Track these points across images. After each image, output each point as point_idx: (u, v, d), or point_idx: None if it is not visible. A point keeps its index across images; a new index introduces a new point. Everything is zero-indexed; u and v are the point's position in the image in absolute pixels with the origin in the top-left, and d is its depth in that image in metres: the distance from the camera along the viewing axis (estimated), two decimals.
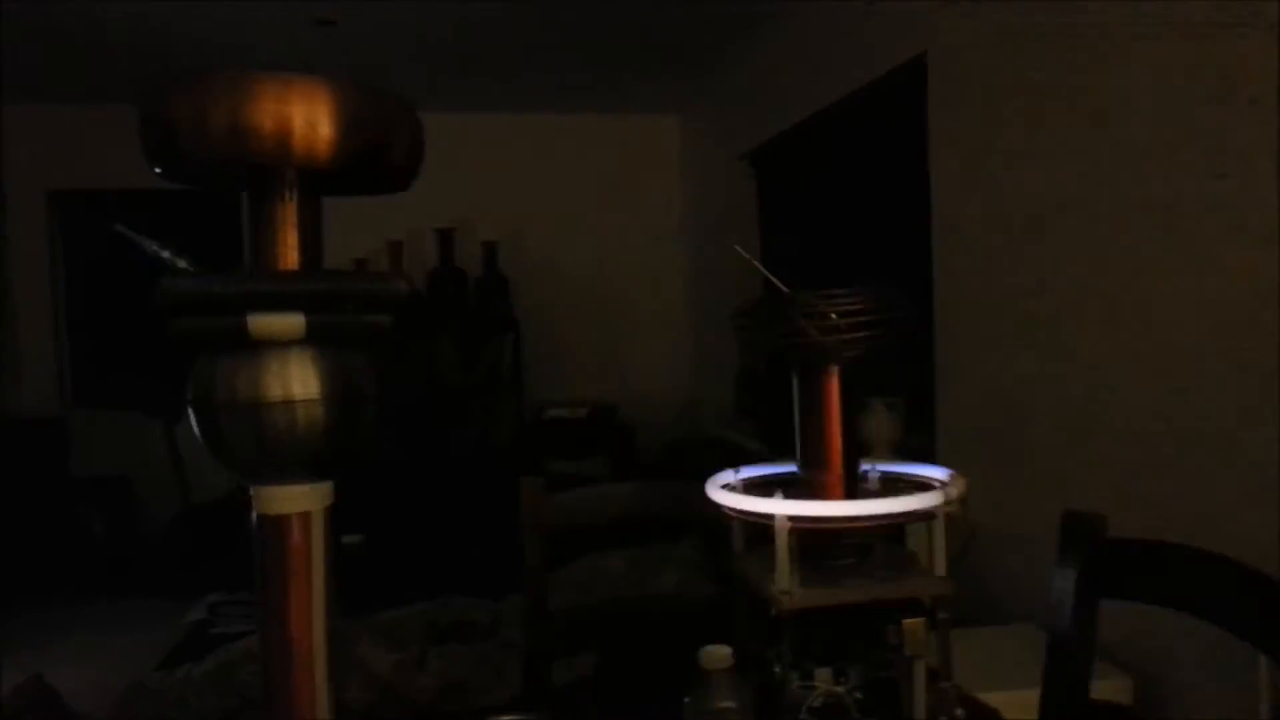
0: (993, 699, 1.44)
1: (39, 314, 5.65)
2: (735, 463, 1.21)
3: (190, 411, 0.95)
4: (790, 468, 1.21)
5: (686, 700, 0.98)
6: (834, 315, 1.01)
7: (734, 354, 5.27)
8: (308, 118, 0.90)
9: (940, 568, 1.05)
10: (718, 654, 0.98)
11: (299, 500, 0.97)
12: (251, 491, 0.98)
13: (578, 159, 6.26)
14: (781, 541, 1.01)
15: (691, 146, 6.21)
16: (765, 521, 1.04)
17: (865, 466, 1.17)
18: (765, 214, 4.87)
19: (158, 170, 0.96)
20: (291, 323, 0.91)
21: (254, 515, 0.99)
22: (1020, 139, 2.69)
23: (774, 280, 1.08)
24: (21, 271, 5.59)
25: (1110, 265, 2.35)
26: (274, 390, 0.92)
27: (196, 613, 4.50)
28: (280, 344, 0.92)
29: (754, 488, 1.17)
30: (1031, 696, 1.47)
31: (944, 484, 1.09)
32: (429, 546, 4.46)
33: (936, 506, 1.02)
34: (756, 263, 1.10)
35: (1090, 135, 2.39)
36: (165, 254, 0.97)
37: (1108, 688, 2.07)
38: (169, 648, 4.14)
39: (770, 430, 4.59)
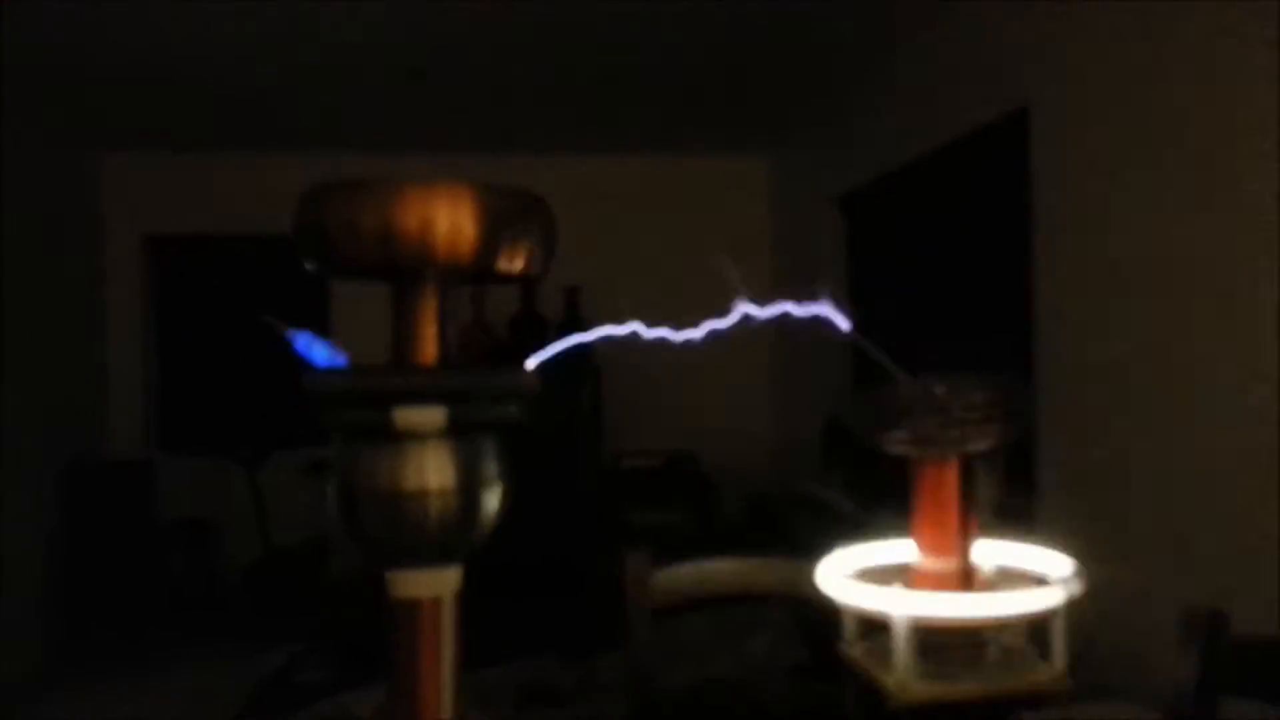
0: None
1: (130, 359, 5.84)
2: (823, 521, 1.22)
3: (331, 497, 1.00)
4: (900, 550, 1.21)
5: None
6: (958, 408, 1.02)
7: (819, 404, 5.24)
8: (452, 221, 0.95)
9: (1059, 665, 1.05)
10: None
11: (431, 584, 1.01)
12: (386, 575, 1.02)
13: (663, 202, 6.31)
14: (899, 638, 1.01)
15: (779, 190, 6.22)
16: (883, 617, 1.04)
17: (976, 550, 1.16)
18: (855, 260, 4.86)
19: (310, 267, 1.01)
20: (433, 416, 0.95)
21: (389, 598, 1.02)
22: (1130, 195, 2.66)
23: (894, 369, 1.09)
24: (116, 315, 5.79)
25: (1231, 331, 2.31)
26: (413, 481, 0.96)
27: (276, 659, 4.58)
28: (420, 435, 0.96)
29: (869, 576, 1.17)
30: None
31: (1063, 578, 1.09)
32: (507, 599, 4.48)
33: (1057, 605, 1.02)
34: (878, 352, 1.11)
35: (1206, 187, 2.37)
36: (315, 346, 1.01)
37: None
38: (249, 694, 4.22)
39: (859, 484, 4.53)
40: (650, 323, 1.14)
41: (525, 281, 1.07)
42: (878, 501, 4.02)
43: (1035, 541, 1.19)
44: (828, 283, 4.97)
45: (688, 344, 1.15)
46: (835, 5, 3.62)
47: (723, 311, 1.19)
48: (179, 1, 3.46)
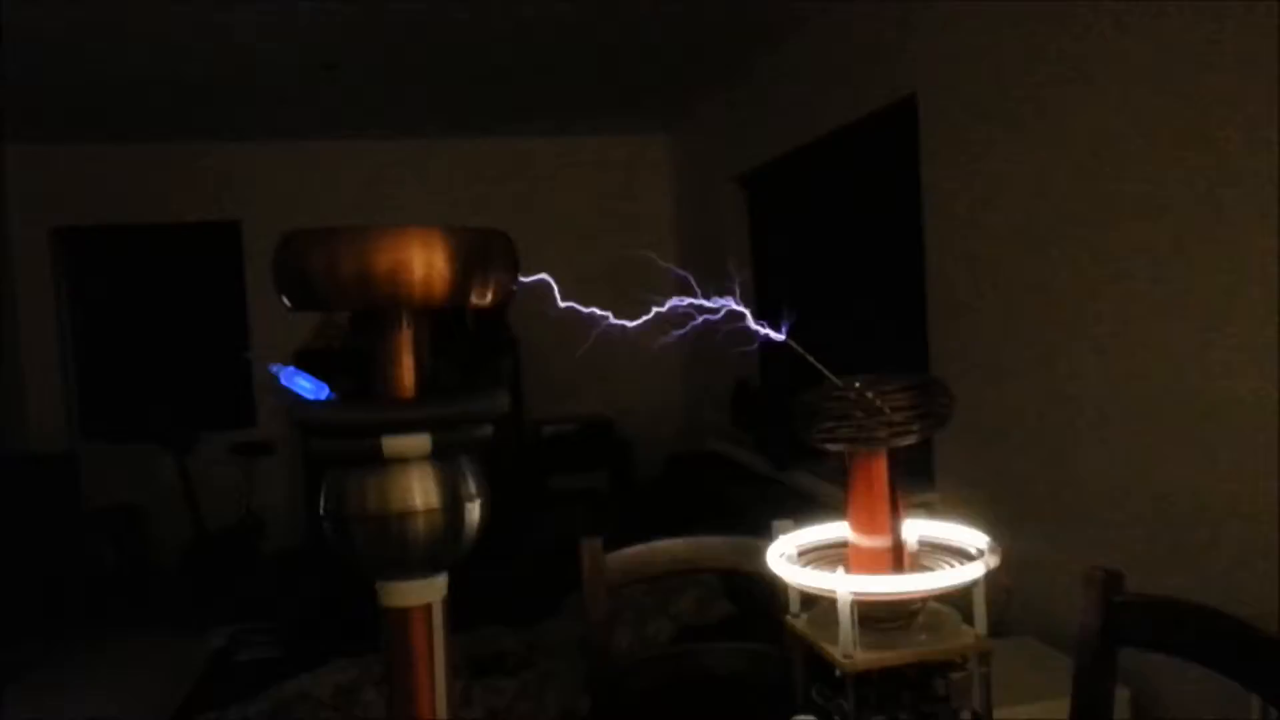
0: (1008, 715, 1.58)
1: (45, 350, 5.73)
2: (737, 479, 1.33)
3: (323, 520, 1.08)
4: (835, 531, 1.35)
5: None
6: (888, 410, 1.15)
7: (727, 371, 5.42)
8: (426, 263, 1.03)
9: (982, 627, 1.19)
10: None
11: (421, 594, 1.10)
12: (377, 587, 1.11)
13: (570, 179, 6.41)
14: (844, 612, 1.14)
15: (681, 166, 6.35)
16: (829, 595, 1.17)
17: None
18: (756, 235, 5.01)
19: (288, 303, 1.08)
20: (419, 443, 1.04)
21: (380, 607, 1.11)
22: (1015, 176, 2.84)
23: (827, 373, 1.21)
24: (27, 309, 5.66)
25: (1105, 300, 2.50)
26: (402, 502, 1.05)
27: (218, 640, 4.61)
28: (406, 460, 1.05)
29: (810, 554, 1.30)
30: (1045, 709, 1.63)
31: (983, 551, 1.23)
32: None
33: (980, 578, 1.16)
34: (810, 357, 1.23)
35: (1085, 166, 2.54)
36: (298, 379, 1.08)
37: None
38: (196, 675, 4.25)
39: (766, 443, 4.71)
40: (563, 295, 1.21)
41: None
42: (785, 460, 4.21)
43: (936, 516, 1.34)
44: (731, 254, 5.14)
45: (610, 323, 1.25)
46: None
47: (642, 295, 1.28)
48: None
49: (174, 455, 5.37)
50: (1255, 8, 1.98)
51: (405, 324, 1.08)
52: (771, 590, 1.49)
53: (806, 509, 3.04)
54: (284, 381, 1.10)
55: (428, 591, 1.10)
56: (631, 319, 1.40)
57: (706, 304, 1.30)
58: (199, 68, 4.34)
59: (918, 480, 3.16)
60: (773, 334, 1.25)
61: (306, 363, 5.51)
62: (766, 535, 1.72)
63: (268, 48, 4.12)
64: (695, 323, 1.34)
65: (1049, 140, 2.66)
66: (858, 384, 1.21)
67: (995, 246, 2.94)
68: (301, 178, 6.06)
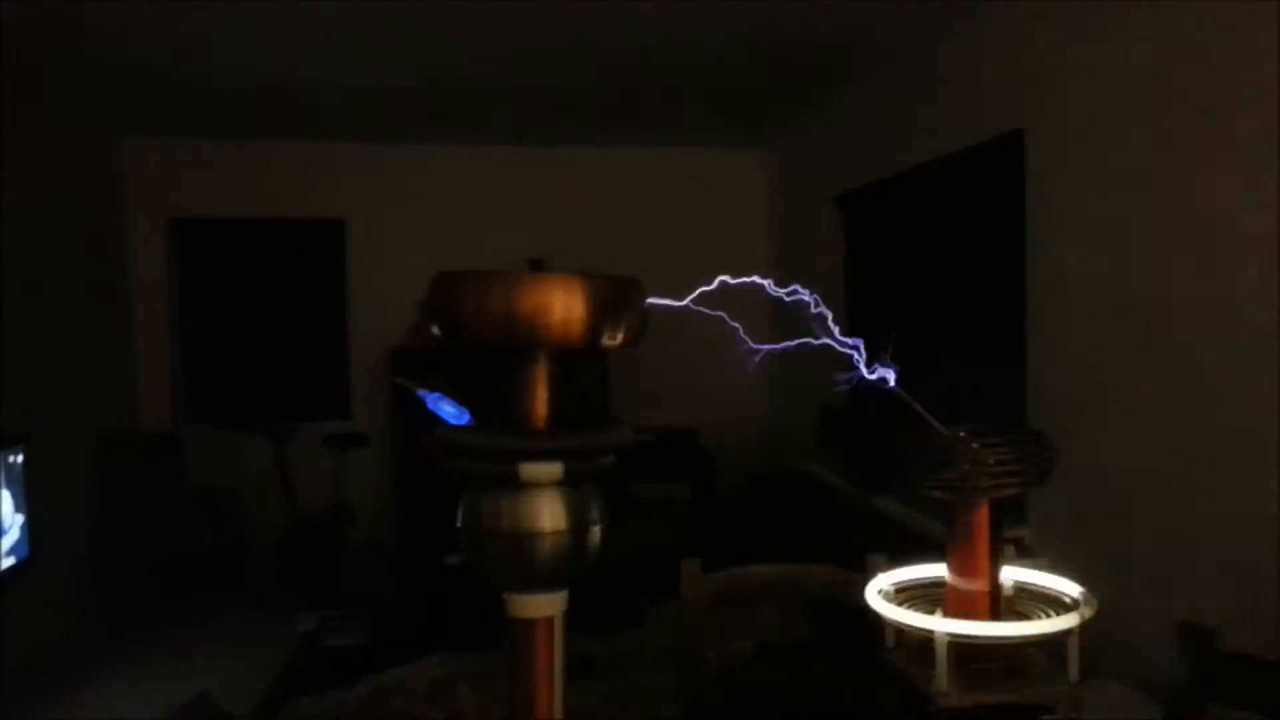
0: None
1: (156, 336, 6.01)
2: (820, 499, 1.38)
3: (459, 534, 1.18)
4: (930, 571, 1.40)
5: None
6: (993, 462, 1.20)
7: (814, 388, 5.44)
8: (565, 306, 1.12)
9: (1074, 675, 1.24)
10: None
11: (545, 608, 1.20)
12: (506, 598, 1.20)
13: (667, 191, 6.49)
14: (941, 654, 1.20)
15: (779, 182, 6.39)
16: (926, 635, 1.23)
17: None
18: (851, 257, 5.03)
19: (438, 333, 1.17)
20: (552, 470, 1.13)
21: (508, 617, 1.21)
22: (1126, 219, 2.83)
23: (934, 422, 1.27)
24: (140, 296, 5.95)
25: (1211, 355, 2.49)
26: (532, 523, 1.14)
27: (306, 624, 4.79)
28: (539, 485, 1.14)
29: (906, 591, 1.36)
30: None
31: (1077, 601, 1.28)
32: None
33: (1074, 627, 1.21)
34: (918, 407, 1.29)
35: (1202, 213, 2.54)
36: (443, 404, 1.18)
37: None
38: (286, 656, 4.43)
39: (853, 465, 4.73)
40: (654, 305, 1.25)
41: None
42: (873, 484, 4.23)
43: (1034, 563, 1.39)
44: (824, 274, 5.18)
45: (693, 328, 1.30)
46: (846, 10, 3.73)
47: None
48: None
49: (272, 443, 5.60)
50: None
51: (543, 361, 1.18)
52: (853, 617, 1.54)
53: (893, 537, 3.08)
54: (430, 406, 1.20)
55: (551, 605, 1.20)
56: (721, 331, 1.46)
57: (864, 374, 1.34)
58: (312, 69, 4.52)
59: (1010, 514, 3.16)
60: (886, 378, 1.30)
61: (401, 361, 5.64)
62: (852, 562, 1.78)
63: (389, 55, 4.27)
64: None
65: (1167, 186, 2.66)
66: (963, 434, 1.26)
67: (1100, 289, 2.93)
68: (406, 180, 6.25)
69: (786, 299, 1.38)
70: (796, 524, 4.35)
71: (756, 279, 1.37)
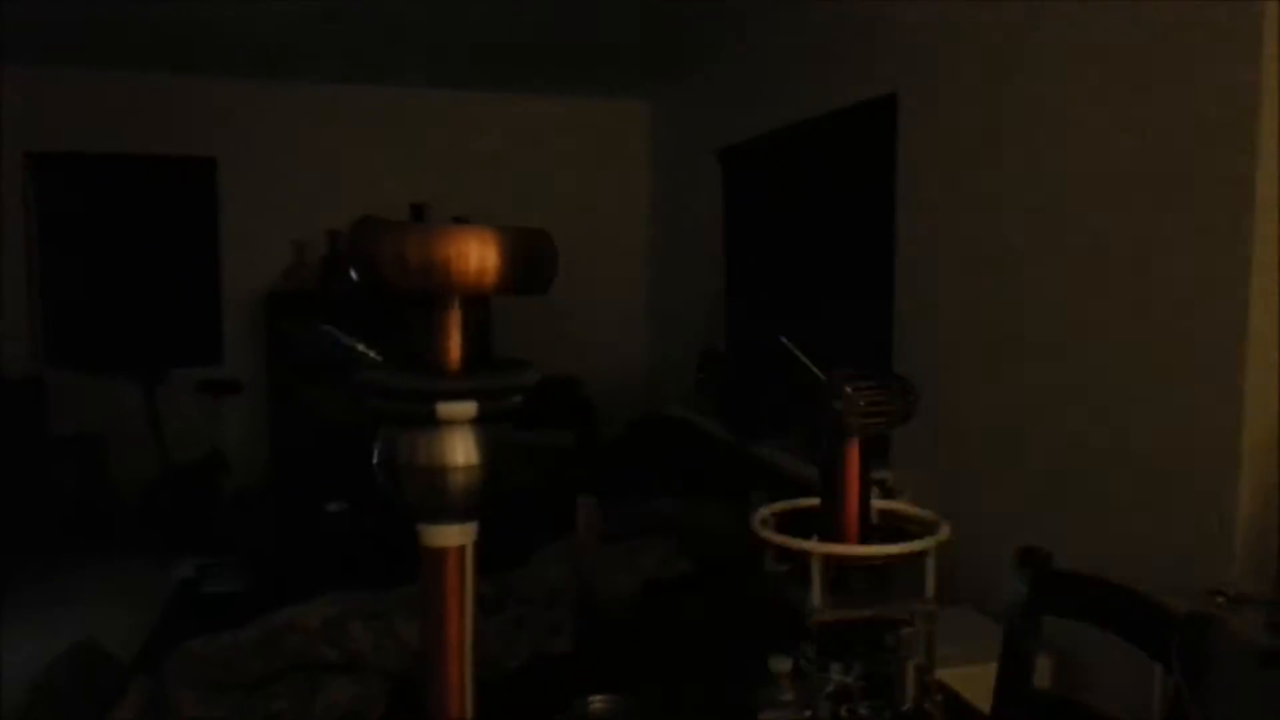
0: (948, 675, 1.80)
1: (13, 274, 5.75)
2: (699, 444, 1.50)
3: (376, 469, 1.25)
4: (810, 502, 1.54)
5: (758, 690, 1.32)
6: (863, 404, 1.34)
7: (694, 336, 5.61)
8: (480, 257, 1.19)
9: (930, 591, 1.40)
10: (782, 661, 1.32)
11: (457, 537, 1.28)
12: (420, 529, 1.28)
13: (547, 139, 6.51)
14: (816, 572, 1.34)
15: (660, 135, 6.48)
16: (802, 555, 1.37)
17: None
18: (730, 210, 5.18)
19: (355, 278, 1.23)
20: (468, 409, 1.21)
21: (421, 546, 1.29)
22: (987, 179, 3.04)
23: (813, 368, 1.40)
24: None
25: (1063, 306, 2.72)
26: (447, 459, 1.22)
27: (183, 571, 4.73)
28: (453, 422, 1.22)
29: (785, 519, 1.50)
30: (979, 672, 1.85)
31: (933, 525, 1.44)
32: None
33: (930, 547, 1.37)
34: (798, 352, 1.41)
35: (1050, 171, 2.75)
36: (361, 347, 1.25)
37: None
38: (163, 604, 4.38)
39: (729, 412, 4.90)
40: None
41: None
42: (749, 430, 4.41)
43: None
44: (704, 226, 5.33)
45: (573, 276, 1.39)
46: None
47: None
48: None
49: (141, 388, 5.45)
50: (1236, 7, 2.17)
51: (457, 307, 1.25)
52: (733, 550, 1.67)
53: (770, 480, 3.25)
54: (351, 350, 1.26)
55: (463, 535, 1.28)
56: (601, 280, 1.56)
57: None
58: (187, 4, 4.38)
59: (875, 458, 3.38)
60: (780, 340, 1.41)
61: (276, 304, 5.55)
62: (730, 503, 1.91)
63: None
64: None
65: (1023, 145, 2.86)
66: (836, 377, 1.40)
67: (963, 247, 3.14)
68: (280, 120, 6.10)
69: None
70: (677, 469, 4.51)
71: None
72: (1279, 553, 2.10)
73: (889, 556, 1.36)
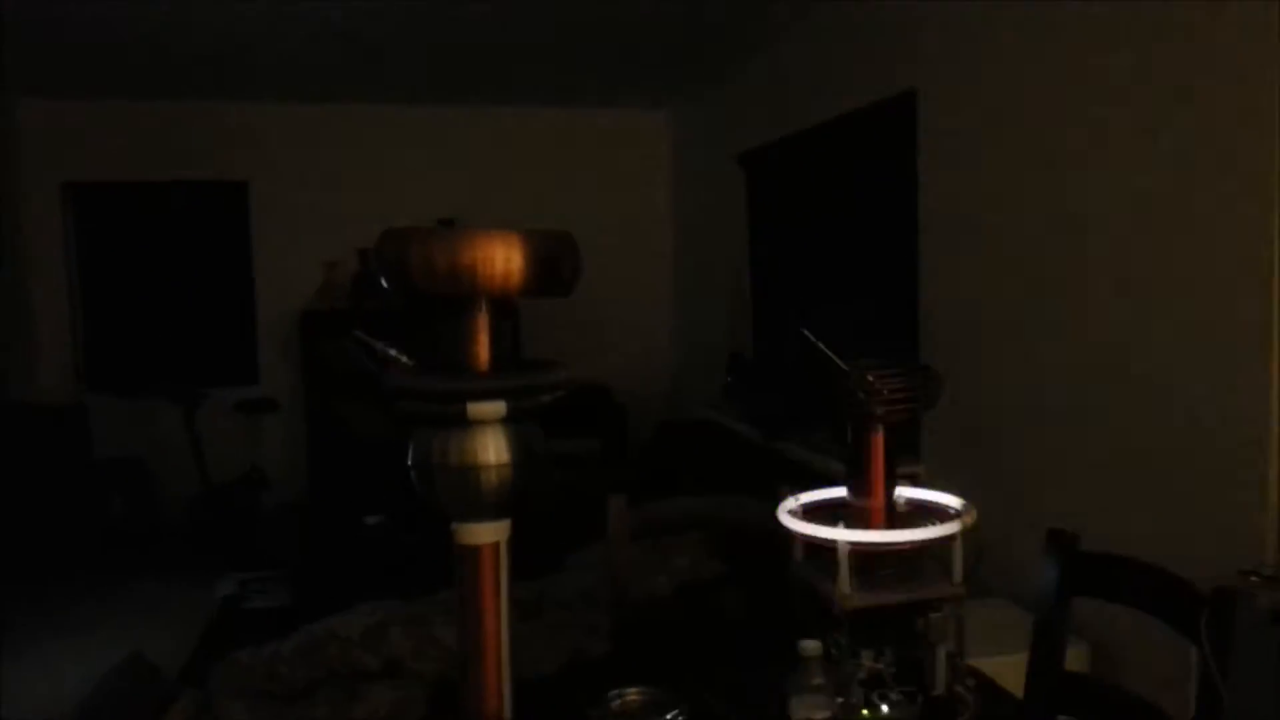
0: (983, 665, 1.81)
1: (54, 303, 5.87)
2: (728, 446, 1.52)
3: (411, 470, 1.29)
4: (838, 492, 1.56)
5: (789, 676, 1.35)
6: (886, 392, 1.36)
7: (720, 339, 5.63)
8: (506, 260, 1.23)
9: (958, 576, 1.41)
10: (812, 646, 1.34)
11: (491, 534, 1.31)
12: (454, 527, 1.31)
13: (571, 151, 6.56)
14: (843, 559, 1.36)
15: (682, 142, 6.52)
16: (829, 544, 1.39)
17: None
18: (753, 214, 5.20)
19: (386, 286, 1.27)
20: (497, 408, 1.25)
21: (456, 544, 1.32)
22: (1007, 173, 3.04)
23: (835, 359, 1.42)
24: (36, 262, 5.80)
25: (1085, 296, 2.72)
26: (479, 457, 1.26)
27: (225, 588, 4.81)
28: (484, 422, 1.26)
29: (813, 511, 1.52)
30: (1013, 661, 1.85)
31: (959, 512, 1.45)
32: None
33: (956, 533, 1.38)
34: (820, 344, 1.43)
35: (1074, 169, 2.75)
36: (393, 353, 1.28)
37: (1069, 654, 2.47)
38: (207, 621, 4.46)
39: (758, 414, 4.92)
40: None
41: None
42: (777, 430, 4.43)
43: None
44: (728, 231, 5.35)
45: (601, 284, 1.42)
46: None
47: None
48: None
49: (180, 410, 5.55)
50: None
51: (484, 309, 1.29)
52: (764, 546, 1.69)
53: (797, 476, 3.25)
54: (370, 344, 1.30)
55: (496, 532, 1.32)
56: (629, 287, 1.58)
57: None
58: (212, 28, 4.46)
59: (906, 452, 3.38)
60: (803, 331, 1.44)
61: (310, 323, 5.63)
62: (759, 498, 1.93)
63: (283, 12, 4.23)
64: None
65: (1043, 144, 2.86)
66: (860, 367, 1.42)
67: (986, 238, 3.14)
68: (309, 141, 6.19)
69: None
70: (706, 470, 4.53)
71: None
72: None
73: (916, 542, 1.38)
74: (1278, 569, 1.75)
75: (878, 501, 1.44)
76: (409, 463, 1.29)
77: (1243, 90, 2.17)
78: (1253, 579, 1.65)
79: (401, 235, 1.24)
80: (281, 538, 5.59)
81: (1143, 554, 1.53)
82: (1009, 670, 1.80)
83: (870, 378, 1.37)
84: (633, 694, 1.40)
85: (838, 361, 1.43)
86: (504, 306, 1.33)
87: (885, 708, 1.38)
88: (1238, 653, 1.06)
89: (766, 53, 4.85)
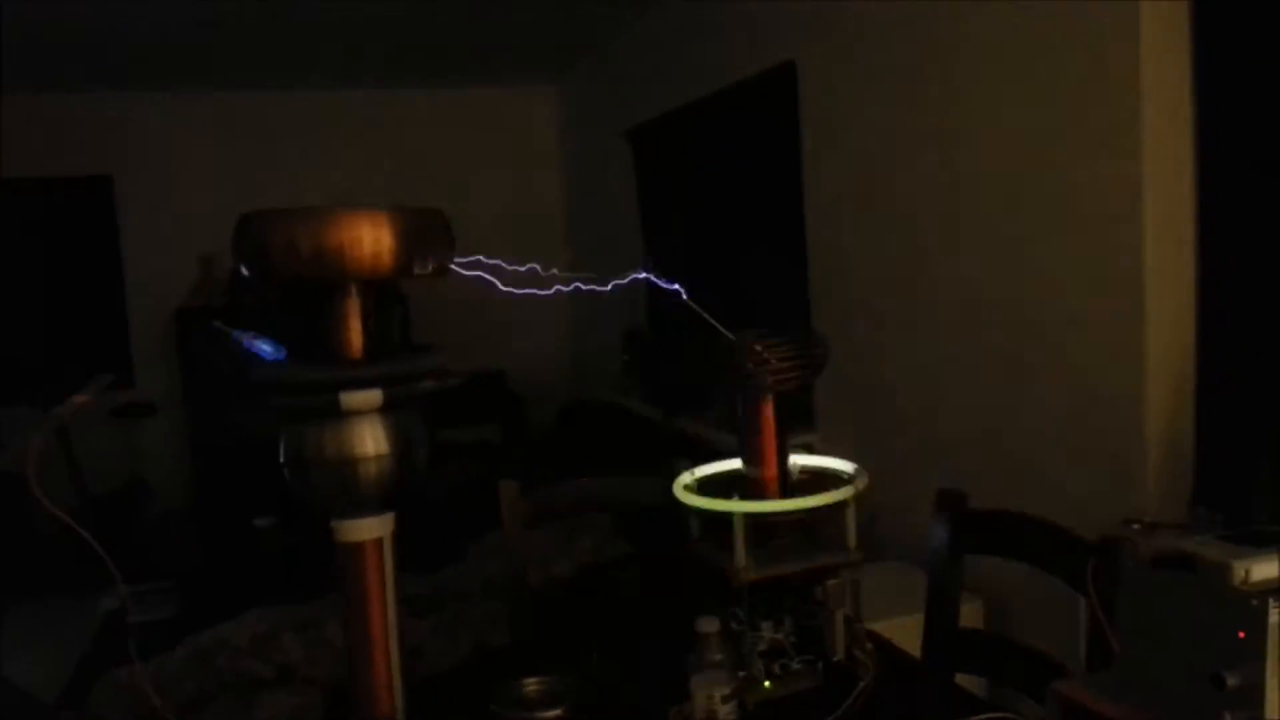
0: (882, 627, 1.83)
1: None
2: (628, 426, 1.50)
3: (284, 467, 1.22)
4: (731, 464, 1.55)
5: (690, 656, 1.32)
6: (774, 361, 1.34)
7: (616, 318, 5.60)
8: (374, 240, 1.17)
9: (852, 542, 1.41)
10: (710, 622, 1.32)
11: (373, 530, 1.26)
12: (334, 524, 1.25)
13: (457, 131, 6.41)
14: (739, 532, 1.34)
15: (569, 119, 6.45)
16: (725, 516, 1.37)
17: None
18: (643, 189, 5.18)
19: (247, 274, 1.20)
20: (373, 397, 1.19)
21: (337, 542, 1.26)
22: (884, 138, 3.08)
23: (721, 329, 1.40)
24: None
25: (963, 255, 2.77)
26: (356, 449, 1.20)
27: (108, 602, 4.59)
28: (360, 412, 1.20)
29: (709, 486, 1.50)
30: (911, 621, 1.88)
31: (852, 477, 1.45)
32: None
33: (848, 498, 1.38)
34: (706, 315, 1.41)
35: (948, 131, 2.79)
36: (259, 343, 1.21)
37: (963, 611, 2.53)
38: (90, 636, 4.24)
39: (657, 392, 4.91)
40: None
41: None
42: (676, 407, 4.44)
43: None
44: (618, 207, 5.32)
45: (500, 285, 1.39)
46: None
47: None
48: None
49: (53, 420, 5.27)
50: None
51: (355, 294, 1.22)
52: (665, 528, 1.67)
53: (697, 452, 3.25)
54: (247, 345, 1.22)
55: (379, 528, 1.26)
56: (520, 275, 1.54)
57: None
58: (70, 15, 4.22)
59: (800, 422, 3.42)
60: (678, 290, 1.41)
61: (186, 322, 5.41)
62: (657, 476, 1.90)
63: None
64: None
65: (918, 108, 2.90)
66: (747, 337, 1.40)
67: (868, 207, 3.18)
68: (179, 131, 5.92)
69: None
70: (607, 452, 4.51)
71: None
72: (1193, 480, 2.17)
73: (810, 509, 1.37)
74: (1158, 516, 1.80)
75: (770, 472, 1.43)
76: (280, 460, 1.22)
77: (1103, 46, 2.23)
78: (1135, 526, 1.70)
79: (262, 218, 1.17)
80: (168, 546, 5.37)
81: (1034, 509, 1.56)
82: (907, 631, 1.82)
83: (758, 347, 1.35)
84: (532, 684, 1.36)
85: (724, 332, 1.41)
86: (387, 292, 1.27)
87: (785, 677, 1.37)
88: (1123, 600, 1.08)
89: (648, 24, 4.81)
